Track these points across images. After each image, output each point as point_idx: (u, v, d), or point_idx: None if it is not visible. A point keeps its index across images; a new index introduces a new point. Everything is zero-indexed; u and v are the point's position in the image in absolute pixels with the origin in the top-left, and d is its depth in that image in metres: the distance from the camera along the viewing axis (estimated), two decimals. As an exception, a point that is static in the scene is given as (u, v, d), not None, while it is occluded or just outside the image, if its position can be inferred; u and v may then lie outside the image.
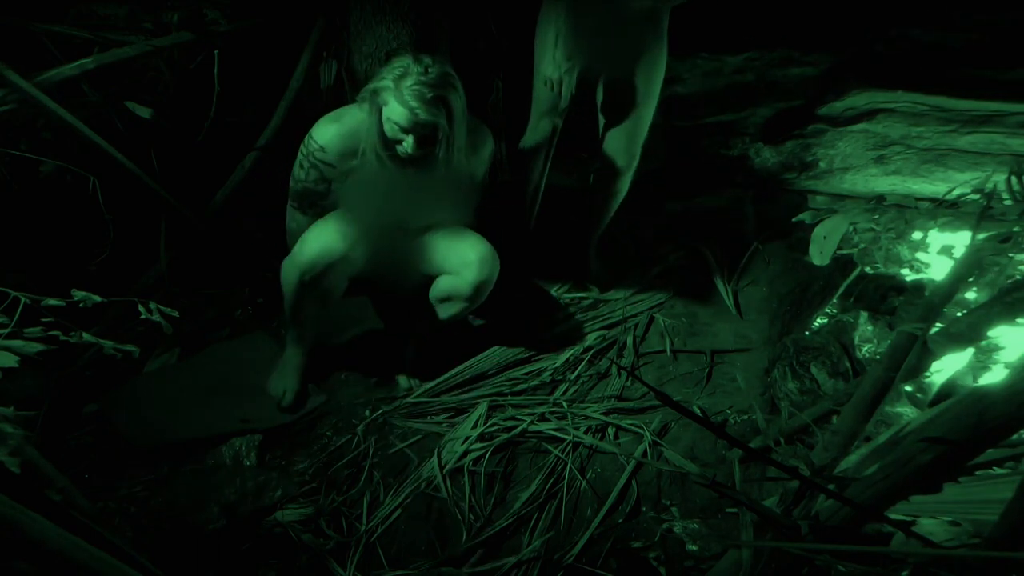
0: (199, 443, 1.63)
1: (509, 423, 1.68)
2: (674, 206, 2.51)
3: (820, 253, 1.57)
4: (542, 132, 1.94)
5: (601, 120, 1.91)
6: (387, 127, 1.42)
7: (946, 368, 1.74)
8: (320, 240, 1.55)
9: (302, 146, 1.54)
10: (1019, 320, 1.30)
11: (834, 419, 1.50)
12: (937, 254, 1.86)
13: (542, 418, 1.69)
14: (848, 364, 1.82)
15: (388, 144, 1.46)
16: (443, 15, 2.05)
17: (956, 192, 1.64)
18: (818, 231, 1.58)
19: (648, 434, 1.64)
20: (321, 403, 1.77)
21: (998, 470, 1.03)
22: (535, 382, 1.84)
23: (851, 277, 2.01)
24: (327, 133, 1.51)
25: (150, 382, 1.79)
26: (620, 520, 1.48)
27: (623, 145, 1.90)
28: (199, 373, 1.82)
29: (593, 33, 1.67)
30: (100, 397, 1.71)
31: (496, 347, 1.92)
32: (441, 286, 1.69)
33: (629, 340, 1.98)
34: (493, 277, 1.65)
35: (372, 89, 1.42)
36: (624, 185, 2.00)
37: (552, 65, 1.69)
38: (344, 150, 1.52)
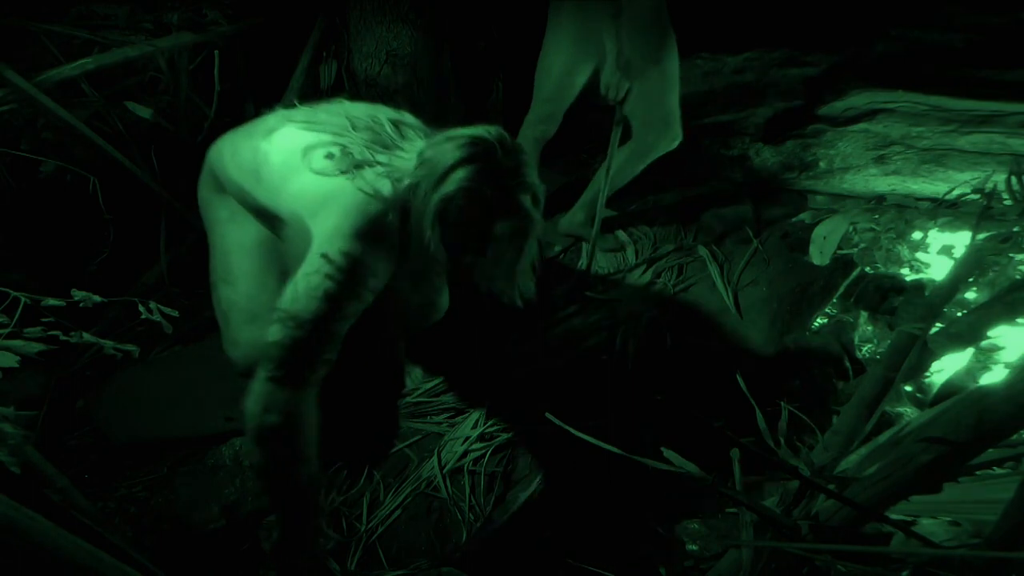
0: (183, 441, 1.62)
1: (509, 423, 1.68)
2: (674, 206, 2.51)
3: (820, 253, 1.57)
4: (532, 136, 1.97)
5: (632, 112, 1.95)
6: (455, 234, 1.06)
7: (946, 368, 1.74)
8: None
9: (320, 270, 1.01)
10: (1019, 320, 1.30)
11: (834, 419, 1.50)
12: (937, 254, 1.86)
13: (542, 418, 1.69)
14: (848, 364, 1.82)
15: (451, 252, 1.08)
16: (443, 15, 2.05)
17: (956, 192, 1.64)
18: (818, 231, 1.58)
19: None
20: None
21: (998, 470, 1.03)
22: (535, 382, 1.84)
23: (851, 277, 2.01)
24: (369, 251, 1.04)
25: (133, 379, 1.77)
26: (620, 520, 1.48)
27: (663, 127, 1.97)
28: (182, 371, 1.81)
29: (636, 39, 1.72)
30: (87, 394, 1.71)
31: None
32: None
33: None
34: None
35: (445, 198, 1.01)
36: (646, 164, 2.08)
37: (615, 90, 1.72)
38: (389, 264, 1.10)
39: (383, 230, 1.06)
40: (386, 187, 1.08)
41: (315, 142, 1.12)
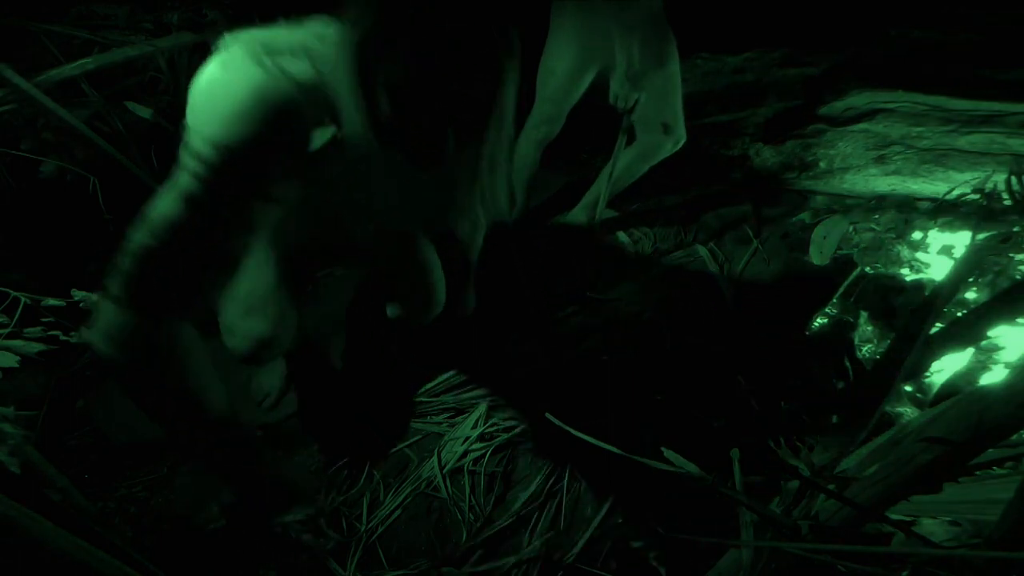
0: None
1: (509, 423, 1.68)
2: (674, 206, 2.51)
3: (820, 253, 1.58)
4: (536, 138, 1.97)
5: (636, 115, 1.96)
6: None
7: (946, 368, 1.74)
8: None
9: (185, 166, 0.80)
10: (1019, 320, 1.30)
11: (834, 419, 1.50)
12: (937, 254, 1.86)
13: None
14: (848, 364, 1.82)
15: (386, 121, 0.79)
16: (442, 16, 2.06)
17: (956, 192, 1.64)
18: (818, 231, 1.59)
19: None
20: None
21: (998, 470, 1.03)
22: (535, 382, 1.84)
23: (851, 277, 2.01)
24: (255, 139, 0.77)
25: None
26: (620, 520, 1.48)
27: (667, 130, 1.99)
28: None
29: (640, 45, 1.73)
30: (87, 394, 1.71)
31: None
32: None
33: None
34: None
35: (360, 42, 0.74)
36: (649, 166, 2.10)
37: (624, 100, 1.76)
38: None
39: (284, 113, 0.76)
40: (299, 66, 0.78)
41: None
